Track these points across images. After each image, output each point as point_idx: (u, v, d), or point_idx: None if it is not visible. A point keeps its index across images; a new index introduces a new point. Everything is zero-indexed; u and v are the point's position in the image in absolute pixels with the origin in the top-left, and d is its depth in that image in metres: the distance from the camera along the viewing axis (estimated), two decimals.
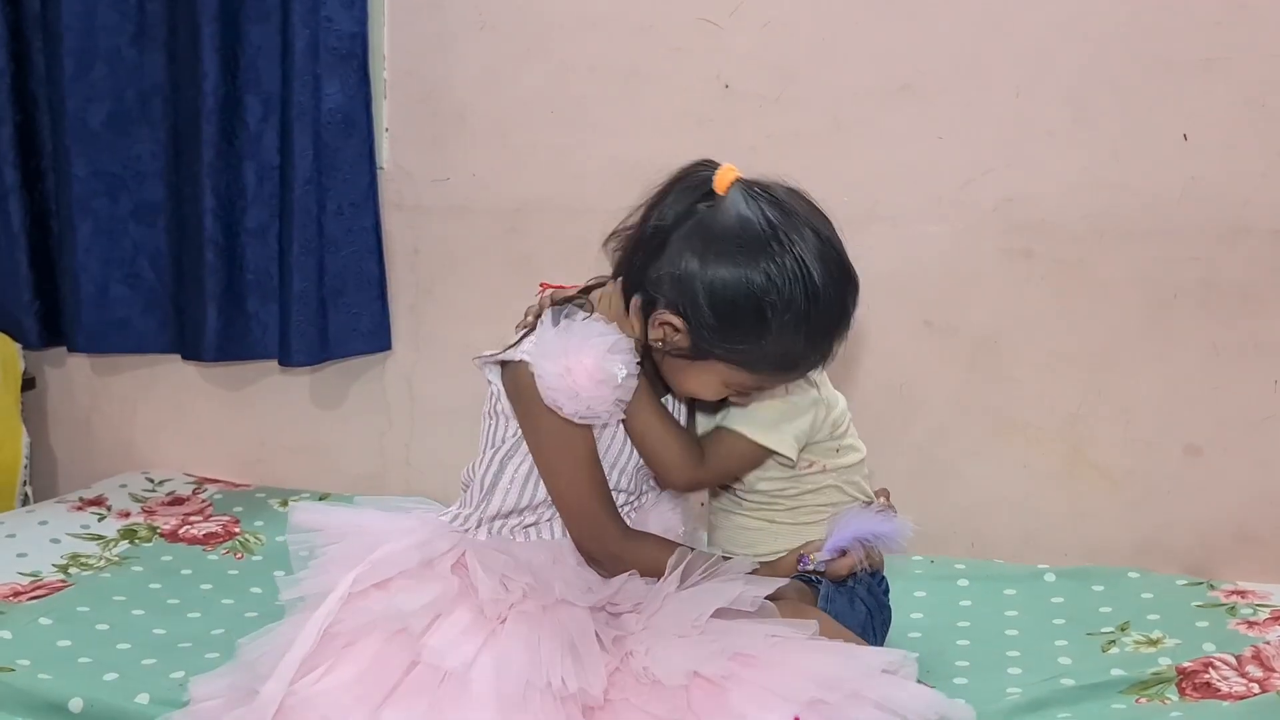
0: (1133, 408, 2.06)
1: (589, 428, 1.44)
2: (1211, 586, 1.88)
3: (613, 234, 1.46)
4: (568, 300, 1.49)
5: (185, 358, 2.35)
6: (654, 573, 1.44)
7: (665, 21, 2.12)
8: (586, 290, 1.51)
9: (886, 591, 1.61)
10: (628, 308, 1.43)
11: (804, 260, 1.35)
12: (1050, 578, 1.92)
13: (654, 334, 1.41)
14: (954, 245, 2.08)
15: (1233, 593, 1.85)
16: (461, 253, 2.27)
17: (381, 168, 2.28)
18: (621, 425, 1.47)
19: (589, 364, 1.38)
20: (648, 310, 1.41)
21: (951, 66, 2.04)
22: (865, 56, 2.06)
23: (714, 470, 1.52)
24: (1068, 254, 2.05)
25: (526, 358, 1.42)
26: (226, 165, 2.21)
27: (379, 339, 2.30)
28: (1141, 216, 2.02)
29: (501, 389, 1.47)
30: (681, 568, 1.42)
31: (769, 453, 1.51)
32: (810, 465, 1.54)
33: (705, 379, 1.43)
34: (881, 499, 1.61)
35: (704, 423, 1.58)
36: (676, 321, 1.38)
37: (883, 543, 1.53)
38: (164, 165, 2.28)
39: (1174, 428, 2.05)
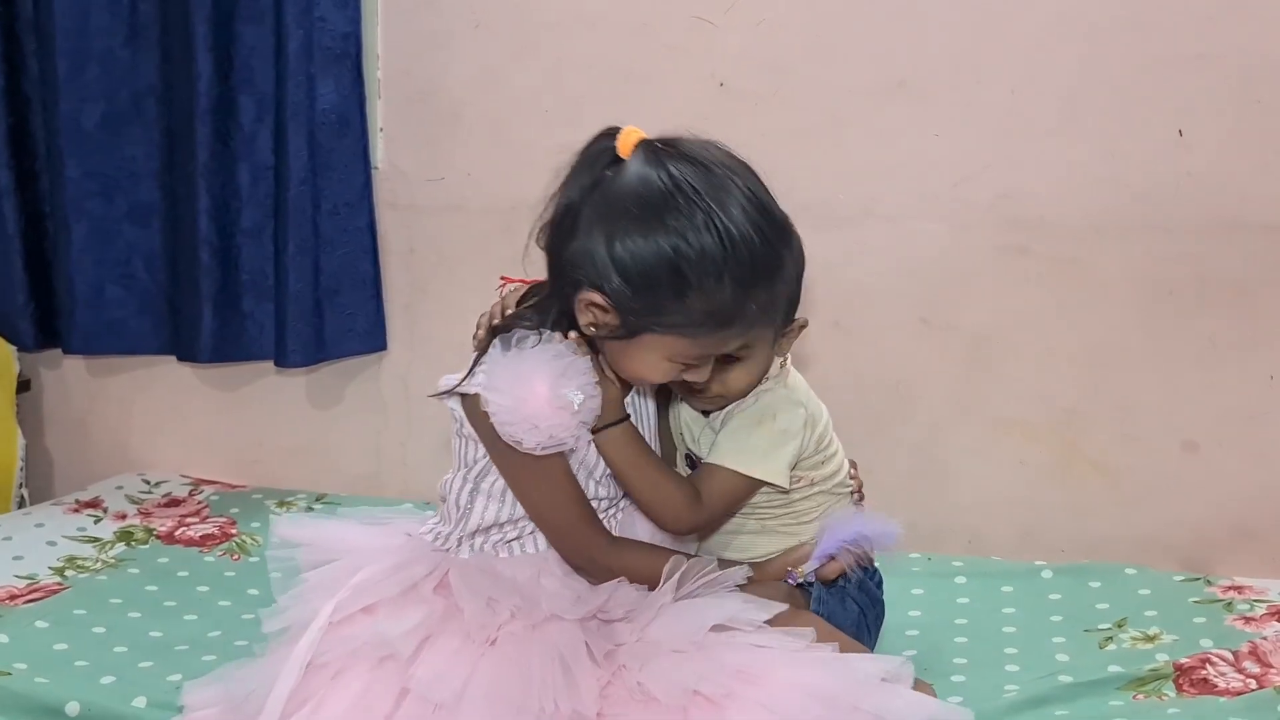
0: (1129, 404, 2.06)
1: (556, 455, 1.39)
2: (1209, 582, 1.88)
3: (541, 228, 1.39)
4: (520, 302, 1.44)
5: (181, 359, 2.35)
6: (645, 580, 1.42)
7: (660, 20, 2.12)
8: (542, 284, 1.45)
9: (880, 585, 1.61)
10: (558, 299, 1.37)
11: (713, 209, 1.29)
12: (1047, 575, 1.92)
13: (584, 319, 1.35)
14: (950, 242, 2.08)
15: (1230, 588, 1.85)
16: (457, 252, 2.27)
17: (376, 167, 2.28)
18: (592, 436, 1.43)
19: (543, 392, 1.33)
20: (572, 295, 1.35)
21: (947, 64, 2.04)
22: (860, 54, 2.06)
23: (712, 510, 1.48)
24: (1063, 251, 2.05)
25: (481, 391, 1.37)
26: (221, 166, 2.20)
27: (375, 339, 2.30)
28: (1137, 213, 2.02)
29: (465, 416, 1.42)
30: (677, 577, 1.39)
31: (763, 484, 1.48)
32: (798, 481, 1.52)
33: (647, 358, 1.36)
34: (850, 469, 1.60)
35: (687, 436, 1.56)
36: (599, 299, 1.33)
37: (871, 545, 1.51)
38: (158, 166, 2.27)
39: (1170, 424, 2.05)
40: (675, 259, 1.29)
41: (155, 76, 2.24)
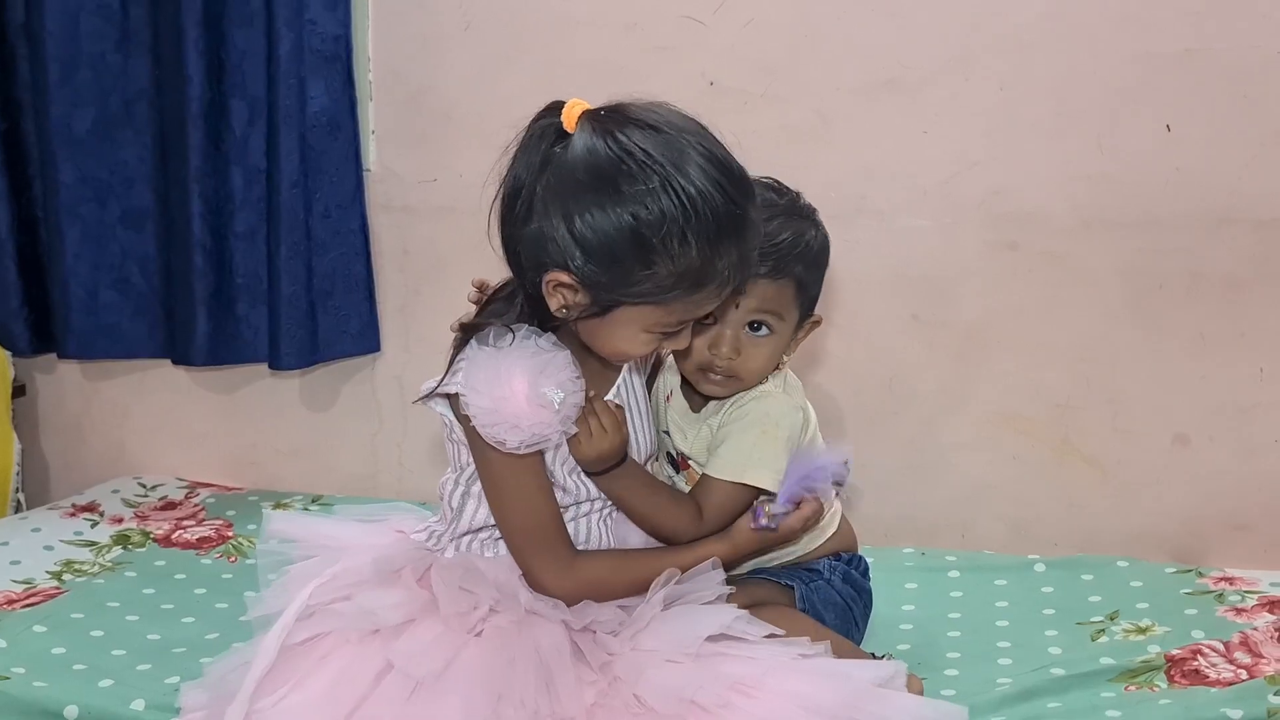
0: (1120, 398, 2.07)
1: (537, 455, 1.37)
2: (1200, 574, 1.89)
3: (493, 214, 1.36)
4: (491, 298, 1.41)
5: (175, 362, 2.35)
6: (615, 591, 1.39)
7: (650, 20, 2.13)
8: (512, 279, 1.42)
9: (865, 572, 1.60)
10: (524, 292, 1.35)
11: (668, 170, 1.25)
12: (1040, 568, 1.93)
13: (554, 302, 1.32)
14: (940, 239, 2.09)
15: (1221, 580, 1.87)
16: (450, 253, 2.27)
17: (368, 169, 2.28)
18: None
19: (521, 390, 1.31)
20: (538, 279, 1.32)
21: (936, 60, 2.05)
22: (850, 51, 2.07)
23: (713, 524, 1.46)
24: (1054, 246, 2.06)
25: (460, 392, 1.35)
26: (213, 169, 2.21)
27: (368, 340, 2.31)
28: (1126, 208, 2.03)
29: (454, 419, 1.39)
30: (662, 592, 1.37)
31: (760, 491, 1.47)
32: None
33: (625, 333, 1.33)
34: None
35: (676, 435, 1.55)
36: (566, 278, 1.29)
37: (829, 475, 1.46)
38: (151, 170, 2.28)
39: (1162, 417, 2.06)
40: (636, 226, 1.25)
41: (146, 81, 2.25)
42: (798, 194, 1.51)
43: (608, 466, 1.41)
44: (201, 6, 2.15)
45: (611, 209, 1.26)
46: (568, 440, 1.38)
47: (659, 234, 1.26)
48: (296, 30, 2.14)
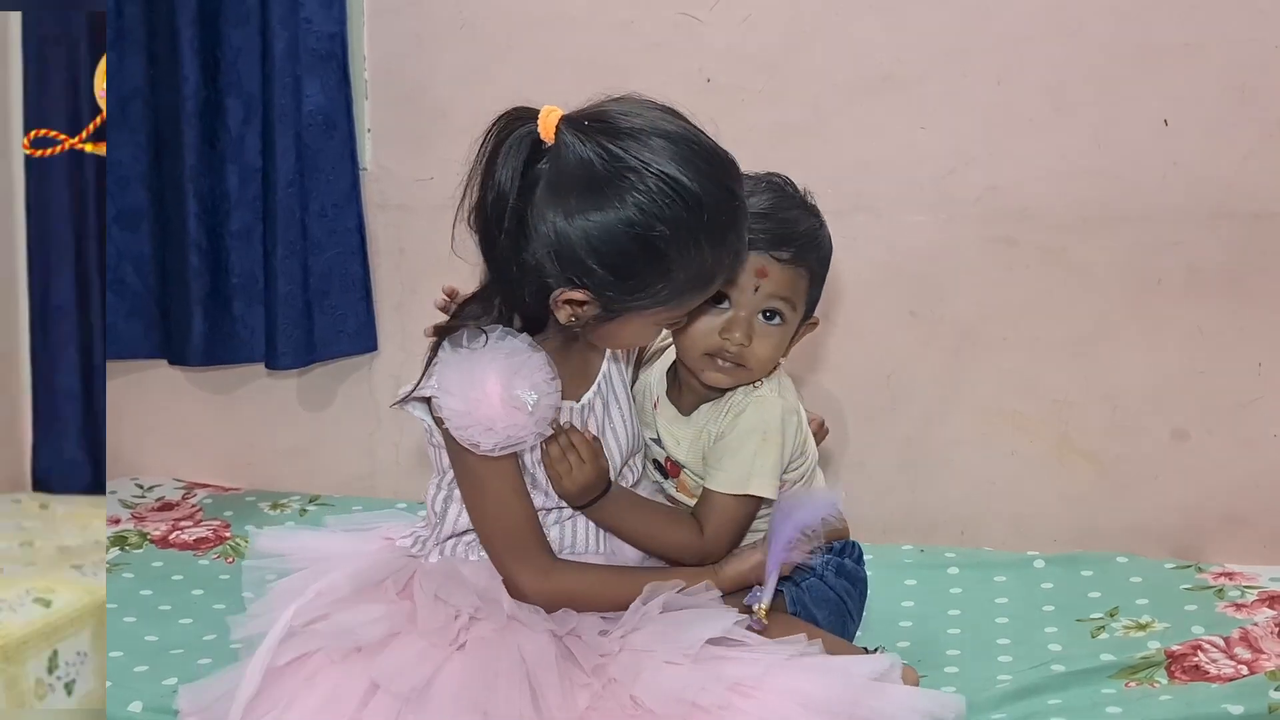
0: (1119, 393, 2.07)
1: (512, 457, 1.36)
2: (1199, 569, 1.89)
3: (474, 228, 1.35)
4: (465, 304, 1.39)
5: (172, 362, 2.35)
6: (582, 609, 1.38)
7: (646, 17, 2.12)
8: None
9: (859, 559, 1.59)
10: (513, 302, 1.34)
11: (666, 174, 1.25)
12: (1039, 564, 1.93)
13: (563, 316, 1.32)
14: (938, 235, 2.09)
15: (1220, 575, 1.87)
16: (446, 251, 2.25)
17: (364, 168, 2.28)
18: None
19: (496, 392, 1.30)
20: (544, 297, 1.31)
21: (932, 56, 2.05)
22: (846, 48, 2.07)
23: (717, 537, 1.45)
24: (1051, 241, 2.06)
25: (433, 395, 1.34)
26: (209, 168, 2.20)
27: (365, 340, 2.30)
28: (1124, 203, 2.02)
29: (433, 424, 1.38)
30: (659, 598, 1.36)
31: (762, 501, 1.47)
32: (781, 485, 1.49)
33: (633, 329, 1.35)
34: (813, 425, 1.58)
35: (668, 440, 1.53)
36: (579, 295, 1.30)
37: (817, 531, 1.44)
38: (145, 170, 2.27)
39: (1160, 412, 2.06)
40: (650, 239, 1.26)
41: (141, 80, 2.24)
42: (807, 192, 1.52)
43: (593, 497, 1.41)
44: (196, 5, 2.14)
45: (622, 221, 1.26)
46: (549, 480, 1.38)
47: (674, 245, 1.27)
48: (292, 28, 2.14)
